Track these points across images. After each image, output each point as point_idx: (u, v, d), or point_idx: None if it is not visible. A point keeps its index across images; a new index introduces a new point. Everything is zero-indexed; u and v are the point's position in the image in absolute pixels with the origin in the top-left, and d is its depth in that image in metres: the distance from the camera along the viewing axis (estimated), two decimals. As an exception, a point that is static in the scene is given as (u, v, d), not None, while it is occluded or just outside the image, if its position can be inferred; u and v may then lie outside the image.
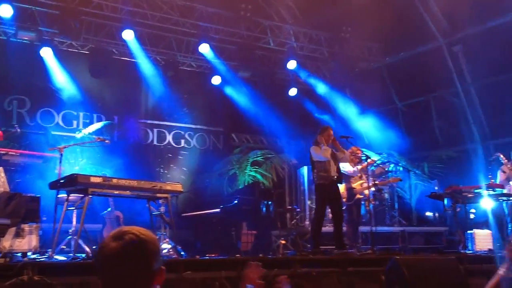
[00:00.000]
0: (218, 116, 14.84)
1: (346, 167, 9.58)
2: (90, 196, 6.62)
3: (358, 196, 9.65)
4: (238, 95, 14.74)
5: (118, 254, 1.94)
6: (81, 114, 12.92)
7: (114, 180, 6.77)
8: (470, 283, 5.82)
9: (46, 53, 12.08)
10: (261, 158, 13.62)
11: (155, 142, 13.90)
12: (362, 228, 10.23)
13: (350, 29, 13.93)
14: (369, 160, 9.56)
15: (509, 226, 9.58)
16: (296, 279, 6.08)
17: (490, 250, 9.23)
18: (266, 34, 13.90)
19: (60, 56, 12.42)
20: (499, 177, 9.86)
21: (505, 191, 9.53)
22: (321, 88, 15.46)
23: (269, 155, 13.82)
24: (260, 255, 8.99)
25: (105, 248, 1.97)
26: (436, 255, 9.00)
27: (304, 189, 12.86)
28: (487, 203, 9.70)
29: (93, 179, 6.62)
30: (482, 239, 9.84)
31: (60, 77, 12.43)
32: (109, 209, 10.06)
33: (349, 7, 13.87)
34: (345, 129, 13.72)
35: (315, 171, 8.65)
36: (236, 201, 9.89)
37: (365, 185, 9.60)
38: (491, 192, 9.28)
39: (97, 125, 12.35)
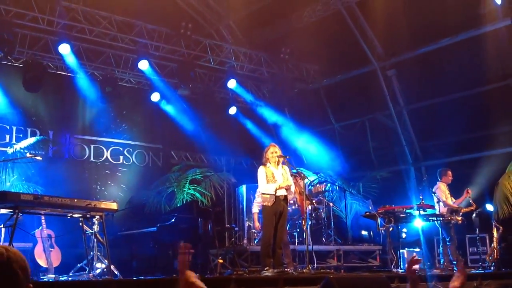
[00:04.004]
0: (158, 133, 14.66)
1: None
2: (20, 214, 6.41)
3: None
4: (177, 113, 14.67)
5: None
6: (14, 128, 12.47)
7: (46, 198, 6.59)
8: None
9: (-23, 65, 11.67)
10: (200, 176, 13.52)
11: (91, 159, 13.54)
12: (299, 247, 10.34)
13: (289, 51, 14.21)
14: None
15: (440, 245, 9.95)
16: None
17: (420, 269, 9.51)
18: (206, 53, 13.95)
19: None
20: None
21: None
22: (261, 107, 15.66)
23: (208, 173, 13.74)
24: (197, 274, 8.90)
25: None
26: (368, 273, 9.22)
27: (243, 208, 12.88)
28: (418, 223, 10.02)
29: (23, 197, 6.43)
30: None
31: (-9, 89, 12.02)
32: (41, 227, 9.73)
33: (288, 29, 14.21)
34: (283, 149, 13.85)
35: None
36: (173, 220, 9.77)
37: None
38: (422, 212, 9.60)
39: (30, 140, 11.87)
